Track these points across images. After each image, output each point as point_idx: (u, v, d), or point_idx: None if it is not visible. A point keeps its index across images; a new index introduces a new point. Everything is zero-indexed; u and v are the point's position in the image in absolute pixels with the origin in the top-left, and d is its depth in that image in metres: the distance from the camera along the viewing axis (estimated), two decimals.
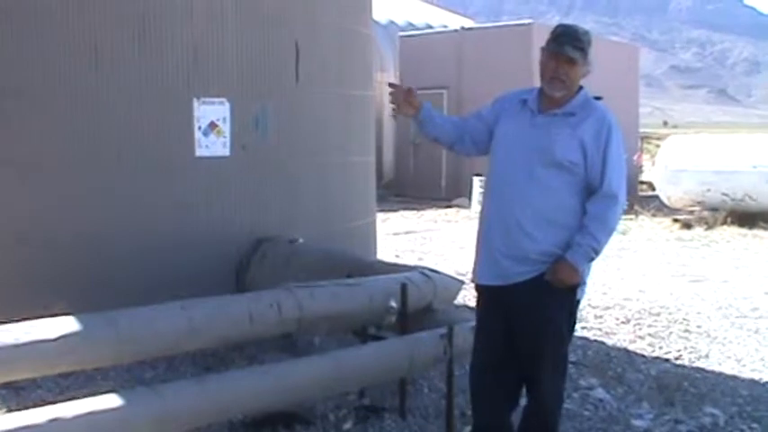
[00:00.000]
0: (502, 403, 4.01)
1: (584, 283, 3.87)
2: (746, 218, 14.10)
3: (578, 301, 3.91)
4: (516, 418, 4.07)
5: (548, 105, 3.83)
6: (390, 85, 4.13)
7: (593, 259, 3.75)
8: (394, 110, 4.05)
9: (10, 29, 5.90)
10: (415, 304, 4.90)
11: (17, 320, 3.73)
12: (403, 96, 4.02)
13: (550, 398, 3.93)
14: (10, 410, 4.73)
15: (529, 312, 3.79)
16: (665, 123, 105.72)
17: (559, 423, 4.04)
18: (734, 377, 5.96)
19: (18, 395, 5.11)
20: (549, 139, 3.75)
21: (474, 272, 4.02)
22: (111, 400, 3.77)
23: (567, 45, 3.73)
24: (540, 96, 3.88)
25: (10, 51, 5.88)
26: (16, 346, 3.57)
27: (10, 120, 5.92)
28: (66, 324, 3.76)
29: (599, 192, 3.74)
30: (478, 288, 4.01)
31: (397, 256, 10.55)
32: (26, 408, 3.80)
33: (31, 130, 5.90)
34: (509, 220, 3.78)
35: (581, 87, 3.88)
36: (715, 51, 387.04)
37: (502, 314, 3.86)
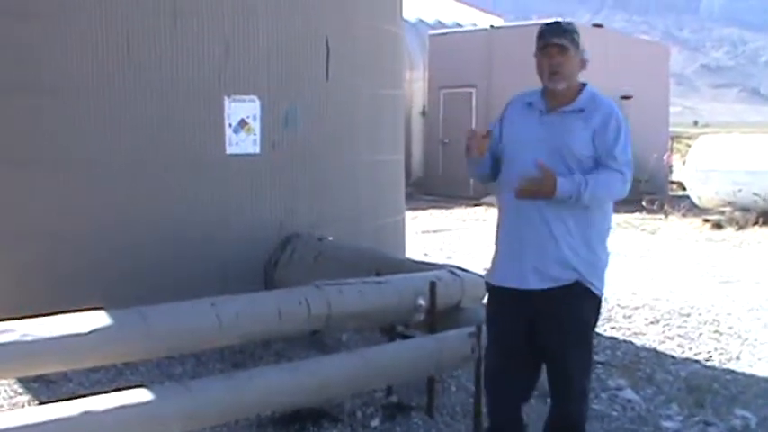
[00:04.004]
0: (518, 400, 4.04)
1: (600, 281, 3.86)
2: None
3: (600, 300, 3.91)
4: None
5: (555, 104, 3.85)
6: (471, 132, 3.98)
7: (572, 197, 3.67)
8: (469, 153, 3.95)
9: (43, 26, 5.95)
10: (444, 303, 4.90)
11: (48, 315, 3.77)
12: (477, 142, 3.92)
13: (577, 398, 3.93)
14: (42, 403, 4.79)
15: (558, 317, 3.79)
16: (696, 123, 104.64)
17: (586, 422, 4.04)
18: (765, 379, 5.90)
19: (49, 388, 5.18)
20: (564, 135, 3.77)
21: (493, 274, 4.00)
22: (141, 395, 3.80)
23: (551, 37, 3.79)
24: (544, 97, 3.90)
25: (44, 49, 5.93)
26: (49, 340, 3.61)
27: (42, 117, 5.97)
28: (98, 319, 3.80)
29: (609, 164, 3.76)
30: (496, 289, 3.99)
31: (425, 255, 10.54)
32: (57, 400, 3.85)
33: (61, 126, 5.96)
34: (534, 220, 3.77)
35: (584, 84, 3.90)
36: (747, 50, 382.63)
37: (523, 316, 3.86)
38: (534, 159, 3.74)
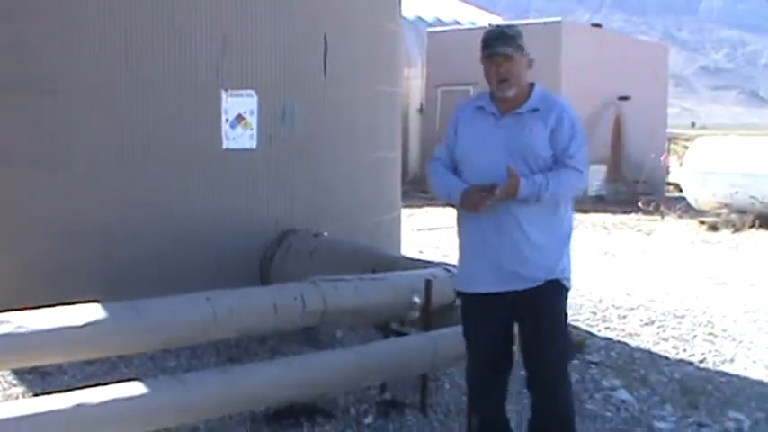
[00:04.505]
0: (502, 399, 4.14)
1: (570, 274, 3.96)
2: None
3: (568, 291, 4.00)
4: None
5: (507, 106, 3.89)
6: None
7: (533, 194, 3.73)
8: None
9: (43, 25, 5.94)
10: (439, 300, 4.90)
11: (44, 307, 3.77)
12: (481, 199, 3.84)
13: (565, 389, 4.01)
14: (36, 395, 4.79)
15: (537, 316, 3.87)
16: (693, 125, 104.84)
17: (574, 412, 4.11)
18: (759, 382, 5.90)
19: (44, 380, 5.18)
20: (524, 136, 3.83)
21: (468, 281, 4.01)
22: (135, 388, 3.81)
23: (496, 45, 3.84)
24: (494, 100, 3.93)
25: (43, 48, 5.93)
26: (44, 332, 3.61)
27: (40, 114, 5.96)
28: (93, 311, 3.80)
29: (567, 162, 3.81)
30: (473, 296, 4.00)
31: (421, 252, 10.54)
32: (52, 393, 3.84)
33: (60, 122, 5.95)
34: (507, 223, 3.82)
35: (533, 84, 3.95)
36: (747, 52, 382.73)
37: (501, 318, 3.93)
38: (496, 163, 3.78)
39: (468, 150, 3.95)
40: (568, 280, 3.95)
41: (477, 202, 3.79)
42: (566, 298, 4.00)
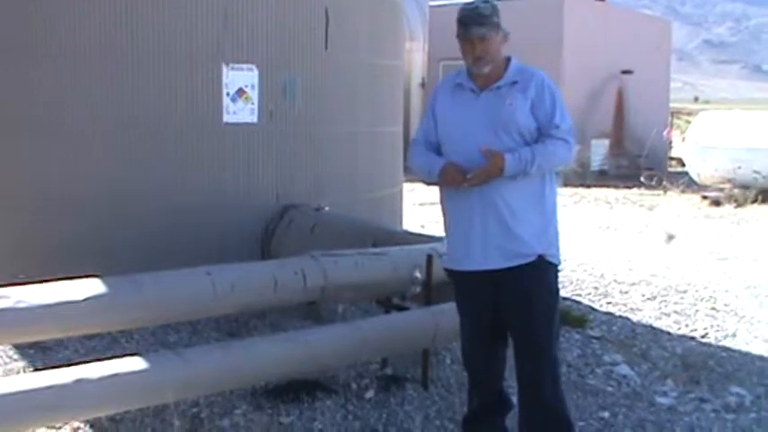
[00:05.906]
0: (500, 376, 4.15)
1: (558, 249, 3.93)
2: None
3: (558, 269, 3.98)
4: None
5: (486, 82, 3.87)
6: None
7: (520, 170, 3.72)
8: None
9: None
10: (440, 275, 4.87)
11: (44, 282, 3.76)
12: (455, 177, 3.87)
13: (553, 368, 3.98)
14: (36, 370, 4.80)
15: (526, 294, 3.85)
16: (696, 99, 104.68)
17: (563, 392, 4.08)
18: (761, 357, 5.90)
19: (44, 355, 5.18)
20: (505, 110, 3.80)
21: (456, 259, 3.99)
22: (135, 363, 3.80)
23: (471, 26, 3.80)
24: (471, 77, 3.91)
25: (45, 17, 5.89)
26: (44, 307, 3.60)
27: (41, 84, 5.94)
28: (93, 286, 3.79)
29: (553, 133, 3.79)
30: (461, 273, 3.99)
31: (422, 227, 10.53)
32: (52, 368, 3.84)
33: (61, 93, 5.92)
34: (491, 200, 3.80)
35: (509, 58, 3.93)
36: (750, 26, 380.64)
37: (491, 296, 3.91)
38: (478, 139, 3.77)
39: (450, 128, 3.94)
40: (555, 256, 3.91)
41: (456, 179, 3.82)
42: (555, 275, 3.96)
